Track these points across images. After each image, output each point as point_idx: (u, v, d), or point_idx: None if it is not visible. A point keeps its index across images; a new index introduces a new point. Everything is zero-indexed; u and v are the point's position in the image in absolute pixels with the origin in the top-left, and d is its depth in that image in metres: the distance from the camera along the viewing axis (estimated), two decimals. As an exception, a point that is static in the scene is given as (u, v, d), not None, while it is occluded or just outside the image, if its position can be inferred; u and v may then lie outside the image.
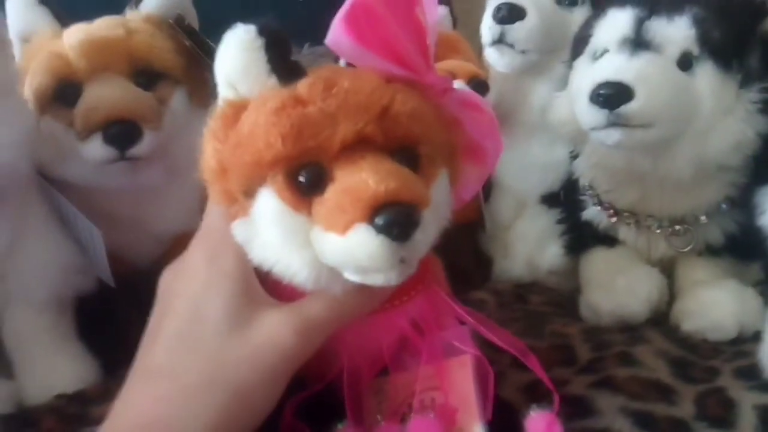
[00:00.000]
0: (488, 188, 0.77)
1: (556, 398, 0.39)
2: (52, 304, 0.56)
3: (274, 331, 0.34)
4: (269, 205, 0.33)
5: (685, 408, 0.45)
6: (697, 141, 0.54)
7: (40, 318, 0.56)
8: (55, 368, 0.55)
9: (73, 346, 0.57)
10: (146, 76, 0.58)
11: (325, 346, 0.36)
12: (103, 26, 0.60)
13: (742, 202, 0.57)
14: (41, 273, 0.56)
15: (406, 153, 0.34)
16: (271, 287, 0.37)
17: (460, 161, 0.38)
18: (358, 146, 0.33)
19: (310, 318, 0.35)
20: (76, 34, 0.59)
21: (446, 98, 0.37)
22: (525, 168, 0.74)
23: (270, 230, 0.34)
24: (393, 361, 0.38)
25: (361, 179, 0.32)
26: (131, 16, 0.62)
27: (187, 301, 0.36)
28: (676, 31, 0.53)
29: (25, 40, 0.61)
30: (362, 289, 0.35)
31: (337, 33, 0.34)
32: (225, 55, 0.35)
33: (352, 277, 0.34)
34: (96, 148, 0.55)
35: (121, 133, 0.55)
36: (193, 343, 0.34)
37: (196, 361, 0.34)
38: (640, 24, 0.54)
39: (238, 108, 0.35)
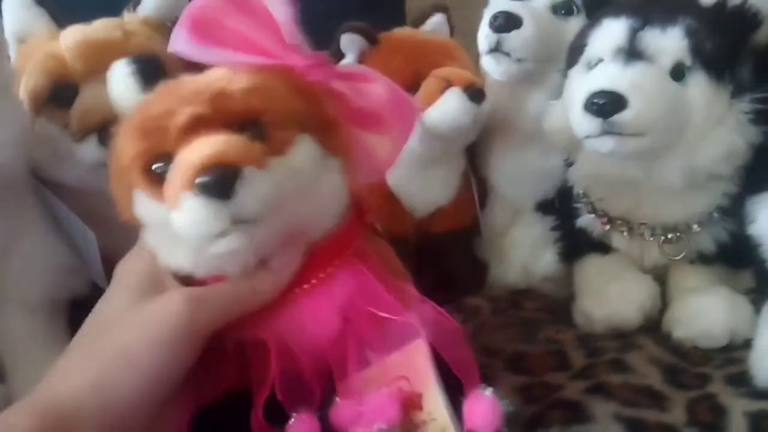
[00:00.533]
0: (484, 195, 0.78)
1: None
2: (45, 306, 0.56)
3: (165, 300, 0.37)
4: (140, 203, 0.38)
5: (676, 414, 0.46)
6: (689, 150, 0.55)
7: (32, 320, 0.55)
8: (46, 371, 0.54)
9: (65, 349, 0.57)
10: (143, 78, 0.59)
11: (257, 347, 0.38)
12: (100, 28, 0.60)
13: (733, 211, 0.58)
14: (34, 275, 0.56)
15: (250, 126, 0.36)
16: None
17: (339, 130, 0.39)
18: (196, 129, 0.35)
19: (203, 291, 0.37)
20: (72, 35, 0.59)
21: (316, 74, 0.39)
22: (520, 176, 0.75)
23: (152, 229, 0.38)
24: (336, 363, 0.38)
25: (188, 155, 0.34)
26: (129, 18, 0.62)
27: (101, 301, 0.40)
28: (670, 42, 0.54)
29: (22, 40, 0.61)
30: (266, 266, 0.38)
31: (179, 39, 0.38)
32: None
33: (210, 251, 0.35)
34: (91, 150, 0.55)
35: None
36: (101, 326, 0.38)
37: (93, 334, 0.38)
38: (634, 34, 0.55)
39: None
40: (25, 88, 0.58)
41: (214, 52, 0.37)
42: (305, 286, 0.39)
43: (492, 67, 0.68)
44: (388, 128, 0.41)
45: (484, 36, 0.67)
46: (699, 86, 0.54)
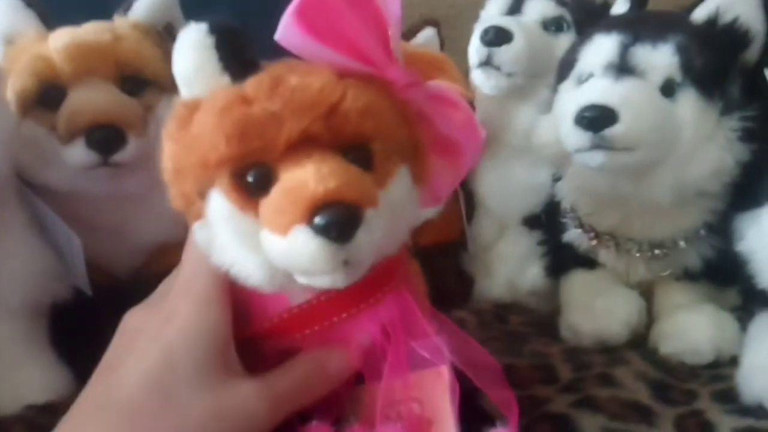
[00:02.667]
0: (471, 209, 0.77)
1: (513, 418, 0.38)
2: (27, 312, 0.54)
3: (246, 398, 0.34)
4: (219, 206, 0.33)
5: (665, 430, 0.46)
6: (678, 166, 0.54)
7: (13, 325, 0.54)
8: (26, 378, 0.53)
9: (45, 355, 0.55)
10: (132, 82, 0.58)
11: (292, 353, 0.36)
12: (90, 31, 0.59)
13: (720, 228, 0.57)
14: (16, 279, 0.54)
15: (358, 150, 0.33)
16: (244, 301, 0.36)
17: (426, 158, 0.37)
18: (304, 145, 0.32)
19: (280, 391, 0.35)
20: (62, 37, 0.58)
21: (412, 93, 0.36)
22: (507, 190, 0.74)
23: (222, 232, 0.33)
24: (368, 369, 0.38)
25: (302, 180, 0.31)
26: (119, 22, 0.61)
27: (160, 346, 0.34)
28: (660, 58, 0.54)
29: (9, 41, 0.59)
30: (332, 362, 0.36)
31: (287, 27, 0.33)
32: (178, 55, 0.35)
33: (300, 279, 0.33)
34: (78, 153, 0.54)
35: (105, 138, 0.54)
36: (164, 389, 0.33)
37: (167, 408, 0.33)
38: (624, 50, 0.55)
39: (192, 108, 0.34)
40: (11, 89, 0.57)
41: (318, 48, 0.33)
42: (353, 310, 0.36)
43: (482, 80, 0.68)
44: (457, 156, 0.39)
45: (475, 50, 0.66)
46: (689, 103, 0.54)
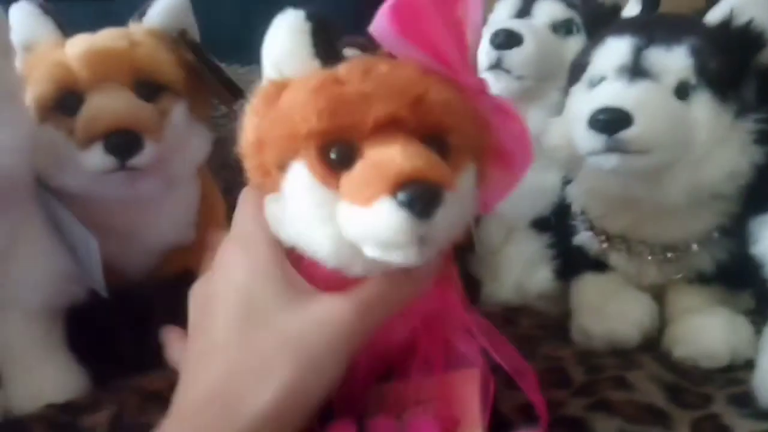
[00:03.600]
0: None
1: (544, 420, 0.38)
2: (44, 313, 0.54)
3: (335, 308, 0.34)
4: (300, 177, 0.34)
5: (680, 434, 0.44)
6: (692, 169, 0.53)
7: (31, 326, 0.53)
8: (44, 378, 0.52)
9: (63, 355, 0.54)
10: (148, 88, 0.57)
11: None
12: (106, 37, 0.58)
13: (733, 232, 0.56)
14: (34, 281, 0.53)
15: (437, 140, 0.34)
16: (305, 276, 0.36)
17: (487, 162, 0.38)
18: (390, 128, 0.33)
19: (367, 298, 0.34)
20: (79, 44, 0.57)
21: (480, 100, 0.37)
22: (516, 193, 0.72)
23: (298, 203, 0.34)
24: (399, 365, 0.37)
25: (389, 156, 0.32)
26: (135, 29, 0.60)
27: (236, 289, 0.35)
28: (674, 61, 0.52)
29: (28, 48, 0.59)
30: (411, 272, 0.35)
31: (381, 22, 0.34)
32: (274, 37, 0.36)
33: (372, 252, 0.33)
34: (96, 157, 0.53)
35: (123, 143, 0.53)
36: (255, 319, 0.34)
37: (262, 333, 0.34)
38: (638, 52, 0.53)
39: (280, 87, 0.36)
40: (30, 95, 0.56)
41: (405, 45, 0.34)
42: None
43: (492, 83, 0.66)
44: (510, 167, 0.40)
45: (485, 53, 0.65)
46: (703, 105, 0.52)
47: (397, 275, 0.35)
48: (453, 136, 0.35)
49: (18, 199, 0.53)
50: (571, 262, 0.66)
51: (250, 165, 0.37)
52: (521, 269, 0.71)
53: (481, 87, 0.37)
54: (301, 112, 0.34)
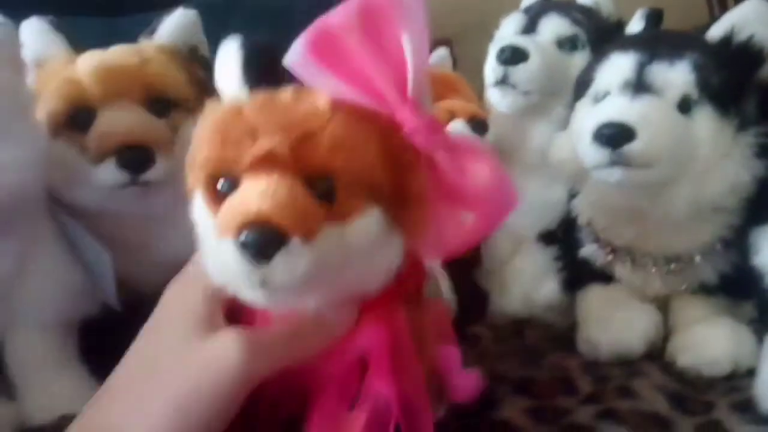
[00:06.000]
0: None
1: None
2: (58, 327, 0.57)
3: (221, 346, 0.35)
4: (197, 205, 0.36)
5: (684, 440, 0.47)
6: (695, 182, 0.56)
7: (44, 340, 0.56)
8: (58, 390, 0.55)
9: (77, 368, 0.57)
10: (159, 103, 0.60)
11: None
12: (117, 54, 0.61)
13: (735, 243, 0.59)
14: (48, 295, 0.56)
15: (322, 182, 0.33)
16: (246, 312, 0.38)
17: (422, 206, 0.36)
18: (270, 164, 0.33)
19: (261, 338, 0.35)
20: (90, 60, 0.60)
21: (423, 139, 0.35)
22: (523, 207, 0.75)
23: (198, 229, 0.37)
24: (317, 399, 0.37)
25: (247, 194, 0.33)
26: (145, 45, 0.64)
27: (148, 333, 0.38)
28: (677, 76, 0.56)
29: (40, 65, 0.62)
30: (320, 319, 0.36)
31: (298, 51, 0.34)
32: (216, 65, 0.38)
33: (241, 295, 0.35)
34: (109, 172, 0.56)
35: (135, 158, 0.56)
36: (149, 362, 0.36)
37: (147, 376, 0.35)
38: (641, 68, 0.56)
39: (206, 114, 0.37)
40: (42, 111, 0.59)
41: (326, 77, 0.34)
42: None
43: (498, 99, 0.70)
44: (479, 210, 0.37)
45: (491, 69, 0.69)
46: (705, 119, 0.55)
47: (305, 321, 0.36)
48: (343, 178, 0.33)
49: (31, 215, 0.56)
50: (578, 275, 0.69)
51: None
52: (528, 282, 0.74)
53: (425, 124, 0.34)
54: (199, 142, 0.35)
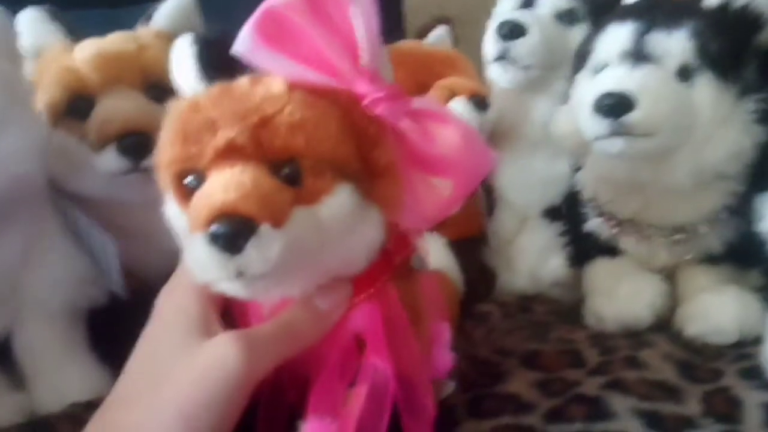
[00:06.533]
0: (491, 204, 0.80)
1: None
2: (64, 316, 0.57)
3: (219, 351, 0.35)
4: (169, 205, 0.37)
5: (692, 406, 0.47)
6: (697, 150, 0.56)
7: (52, 329, 0.57)
8: (67, 378, 0.56)
9: (85, 356, 0.58)
10: (158, 90, 0.60)
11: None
12: (115, 41, 0.62)
13: (740, 211, 0.59)
14: (54, 285, 0.57)
15: (287, 166, 0.33)
16: (239, 311, 0.39)
17: (393, 177, 0.36)
18: (232, 154, 0.33)
19: (257, 337, 0.35)
20: (88, 48, 0.61)
21: (384, 108, 0.34)
22: (527, 183, 0.76)
23: (175, 229, 0.37)
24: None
25: (213, 187, 0.33)
26: (142, 32, 0.64)
27: (147, 341, 0.38)
28: (675, 44, 0.56)
29: (37, 54, 0.63)
30: (313, 308, 0.36)
31: (245, 36, 0.33)
32: (172, 62, 0.39)
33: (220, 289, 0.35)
34: (110, 159, 0.57)
35: (136, 144, 0.56)
36: (148, 373, 0.36)
37: (147, 388, 0.35)
38: (640, 37, 0.57)
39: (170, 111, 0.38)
40: (41, 101, 0.59)
41: (278, 60, 0.34)
42: None
43: (499, 74, 0.70)
44: (453, 174, 0.37)
45: (491, 44, 0.69)
46: (705, 87, 0.56)
47: (298, 313, 0.36)
48: (307, 159, 0.33)
49: (34, 205, 0.57)
50: (583, 249, 0.69)
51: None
52: (534, 258, 0.75)
53: (386, 93, 0.34)
54: (163, 140, 0.36)
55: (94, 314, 0.60)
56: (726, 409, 0.47)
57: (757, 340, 0.54)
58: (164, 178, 0.36)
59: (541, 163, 0.75)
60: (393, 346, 0.37)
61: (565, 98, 0.66)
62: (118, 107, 0.58)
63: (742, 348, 0.55)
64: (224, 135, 0.33)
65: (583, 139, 0.60)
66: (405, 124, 0.35)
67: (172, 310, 0.38)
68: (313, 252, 0.34)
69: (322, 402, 0.36)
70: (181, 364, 0.35)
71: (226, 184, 0.32)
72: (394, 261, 0.39)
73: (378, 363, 0.36)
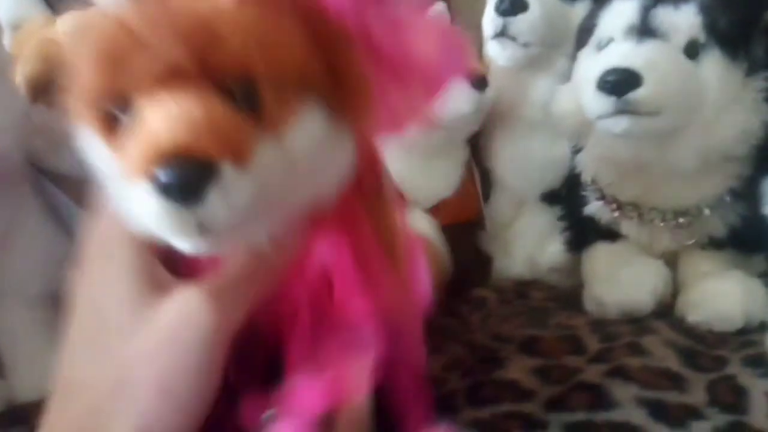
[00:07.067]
0: (488, 187, 0.78)
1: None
2: (45, 300, 0.56)
3: (182, 306, 0.30)
4: (89, 146, 0.31)
5: (697, 395, 0.46)
6: (704, 130, 0.55)
7: (32, 313, 0.55)
8: (47, 365, 0.54)
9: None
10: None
11: None
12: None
13: (744, 195, 0.58)
14: (34, 267, 0.55)
15: (241, 88, 0.27)
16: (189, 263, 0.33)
17: (364, 88, 0.31)
18: (173, 79, 0.27)
19: (219, 282, 0.31)
20: (70, 21, 0.59)
21: (354, 17, 0.30)
22: (525, 166, 0.75)
23: (95, 169, 0.31)
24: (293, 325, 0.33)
25: (152, 123, 0.26)
26: (126, 3, 0.62)
27: (86, 307, 0.33)
28: (683, 19, 0.55)
29: (16, 27, 0.61)
30: (274, 243, 0.31)
31: None
32: None
33: (174, 244, 0.28)
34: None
35: (120, 119, 0.55)
36: (98, 349, 0.31)
37: (105, 368, 0.31)
38: (646, 12, 0.55)
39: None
40: (21, 74, 0.57)
41: None
42: None
43: (498, 51, 0.69)
44: (426, 79, 0.33)
45: (490, 20, 0.67)
46: (713, 64, 0.54)
47: (247, 255, 0.31)
48: (266, 78, 0.28)
49: (12, 185, 0.55)
50: (583, 233, 0.68)
51: None
52: (532, 243, 0.74)
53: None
54: (71, 64, 0.30)
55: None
56: (731, 398, 0.46)
57: (761, 327, 0.54)
58: (79, 109, 0.30)
59: (541, 145, 0.74)
60: (368, 282, 0.33)
61: (566, 77, 0.65)
62: (100, 81, 0.56)
63: (746, 335, 0.55)
64: (162, 55, 0.27)
65: (585, 118, 0.59)
66: (377, 31, 0.31)
67: (107, 267, 0.32)
68: (283, 189, 0.28)
69: (300, 357, 0.32)
70: (141, 331, 0.30)
71: (170, 117, 0.26)
72: (363, 185, 0.34)
73: (354, 306, 0.32)
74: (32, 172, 0.57)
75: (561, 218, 0.73)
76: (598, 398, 0.46)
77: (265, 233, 0.30)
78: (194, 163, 0.25)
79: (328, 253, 0.33)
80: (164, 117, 0.26)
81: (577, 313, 0.61)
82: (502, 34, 0.67)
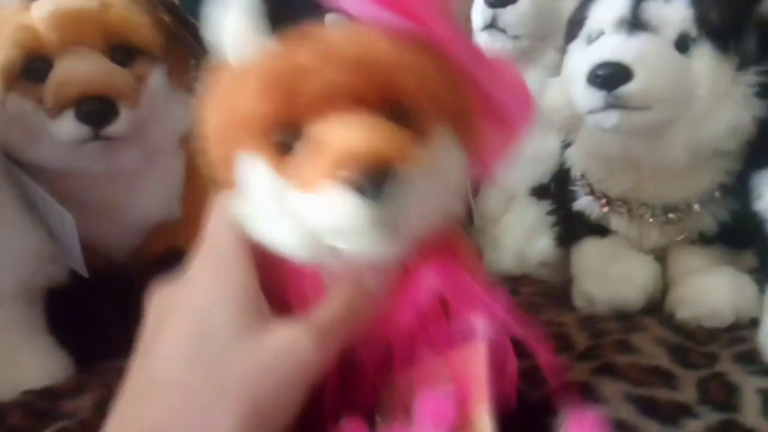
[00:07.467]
0: (477, 181, 0.78)
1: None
2: (20, 295, 0.55)
3: (290, 340, 0.33)
4: (250, 169, 0.34)
5: (687, 393, 0.46)
6: (694, 125, 0.55)
7: (7, 309, 0.54)
8: (22, 363, 0.53)
9: (41, 339, 0.55)
10: (122, 51, 0.57)
11: None
12: (76, -2, 0.58)
13: (734, 190, 0.58)
14: (7, 261, 0.54)
15: (395, 109, 0.33)
16: (278, 281, 0.36)
17: (472, 120, 0.36)
18: (337, 101, 0.32)
19: (324, 323, 0.34)
20: (46, 5, 0.57)
21: (459, 51, 0.35)
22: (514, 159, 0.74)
23: (254, 197, 0.34)
24: (401, 353, 0.36)
25: (334, 133, 0.31)
26: (106, -11, 0.61)
27: (192, 315, 0.34)
28: (674, 12, 0.54)
29: (-10, 13, 0.59)
30: (363, 284, 0.35)
31: None
32: (216, 19, 0.35)
33: (336, 243, 0.32)
34: (68, 126, 0.53)
35: (96, 110, 0.53)
36: (202, 355, 0.33)
37: (207, 373, 0.32)
38: (636, 4, 0.55)
39: (226, 72, 0.35)
40: (-6, 62, 0.56)
41: (371, 9, 0.33)
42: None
43: (487, 44, 0.68)
44: (504, 121, 0.37)
45: (479, 12, 0.67)
46: (704, 58, 0.54)
47: (349, 291, 0.35)
48: (415, 101, 0.33)
49: (-14, 175, 0.54)
50: (572, 229, 0.68)
51: (206, 162, 0.36)
52: (521, 238, 0.74)
53: (456, 35, 0.35)
54: (239, 96, 0.33)
55: (52, 294, 0.57)
56: (723, 395, 0.46)
57: (752, 323, 0.54)
58: (234, 139, 0.34)
59: (530, 139, 0.73)
60: (484, 299, 0.35)
61: (556, 70, 0.64)
62: (76, 69, 0.54)
63: (736, 331, 0.55)
64: (324, 76, 0.32)
65: (574, 112, 0.58)
66: (473, 66, 0.35)
67: (220, 282, 0.35)
68: (433, 198, 0.33)
69: (424, 372, 0.35)
70: (247, 350, 0.33)
71: (349, 128, 0.31)
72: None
73: (481, 317, 0.34)
74: (6, 163, 0.56)
75: (550, 213, 0.72)
76: (586, 396, 0.45)
77: (399, 253, 0.34)
78: (385, 165, 0.30)
79: (436, 275, 0.35)
80: (344, 128, 0.31)
81: (566, 309, 0.61)
82: (491, 25, 0.67)
